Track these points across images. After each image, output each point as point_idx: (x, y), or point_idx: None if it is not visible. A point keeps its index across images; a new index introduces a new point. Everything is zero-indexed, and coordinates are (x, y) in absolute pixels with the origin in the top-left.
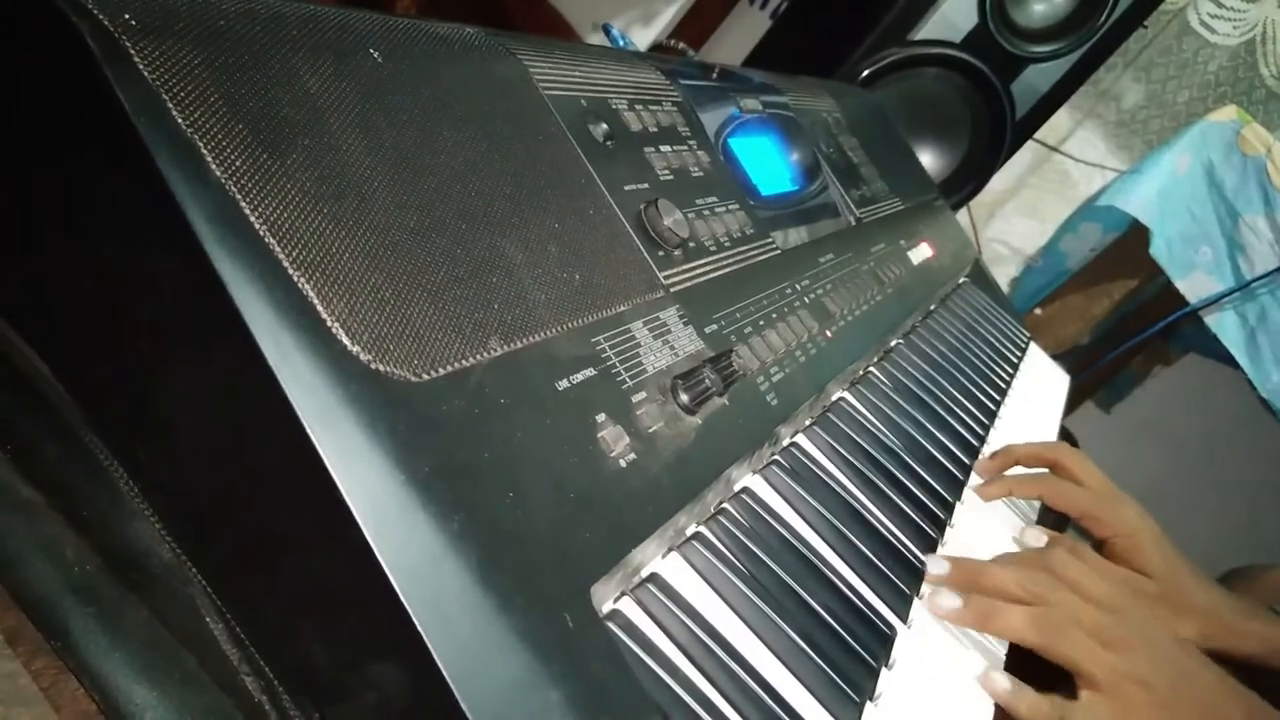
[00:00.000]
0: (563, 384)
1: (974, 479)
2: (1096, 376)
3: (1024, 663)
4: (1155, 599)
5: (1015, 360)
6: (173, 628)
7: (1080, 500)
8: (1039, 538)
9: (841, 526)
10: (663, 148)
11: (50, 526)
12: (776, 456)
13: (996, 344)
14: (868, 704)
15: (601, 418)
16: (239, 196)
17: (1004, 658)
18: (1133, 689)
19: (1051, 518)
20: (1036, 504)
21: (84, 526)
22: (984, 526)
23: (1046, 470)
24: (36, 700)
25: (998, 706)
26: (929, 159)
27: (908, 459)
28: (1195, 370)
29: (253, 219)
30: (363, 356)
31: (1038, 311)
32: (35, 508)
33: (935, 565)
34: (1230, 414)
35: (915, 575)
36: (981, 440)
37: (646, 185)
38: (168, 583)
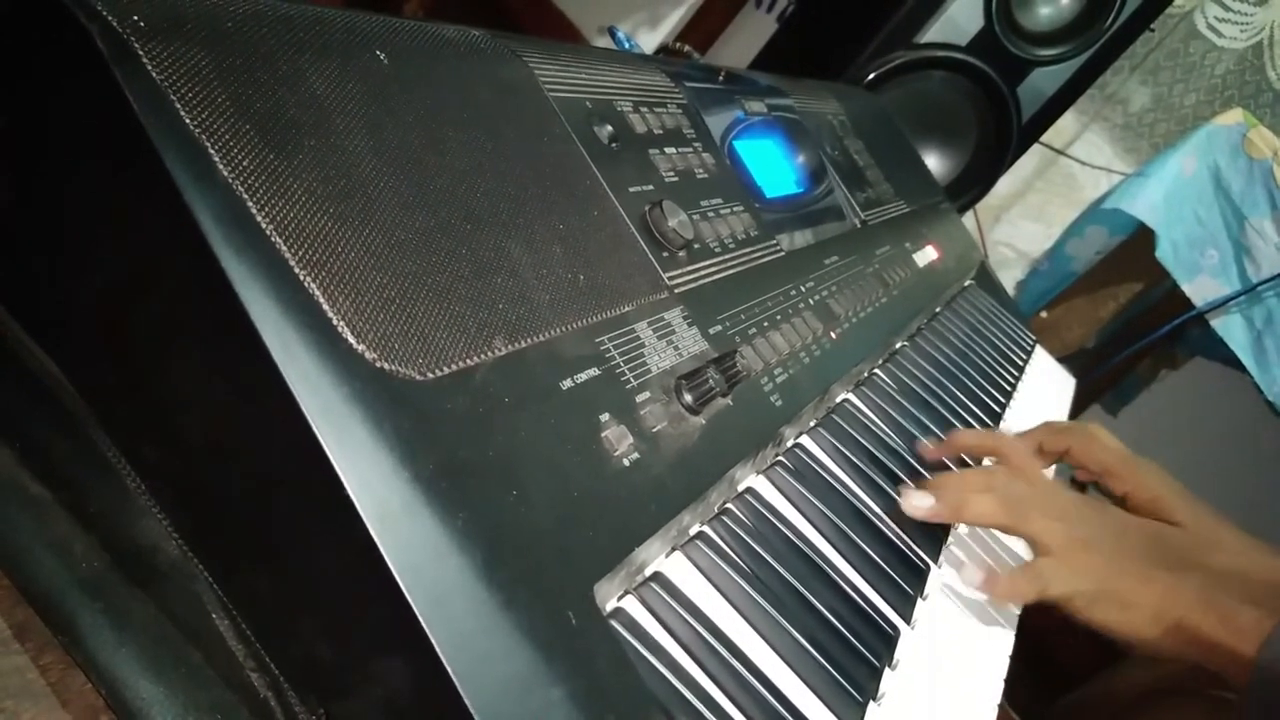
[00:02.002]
0: (567, 383)
1: None
2: (1102, 380)
3: (1031, 661)
4: (1187, 546)
5: (1021, 363)
6: (179, 624)
7: (1103, 457)
8: None
9: (845, 527)
10: (668, 150)
11: (58, 523)
12: (780, 457)
13: (1002, 347)
14: (871, 704)
15: (605, 417)
16: (246, 196)
17: (1008, 659)
18: (1080, 548)
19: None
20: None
21: (92, 523)
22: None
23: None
24: (44, 694)
25: (1000, 707)
26: (935, 162)
27: (911, 460)
28: (1202, 374)
29: (259, 218)
30: (368, 355)
31: (1043, 314)
32: (44, 504)
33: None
34: (1237, 417)
35: (918, 576)
36: None
37: (651, 187)
38: (174, 579)
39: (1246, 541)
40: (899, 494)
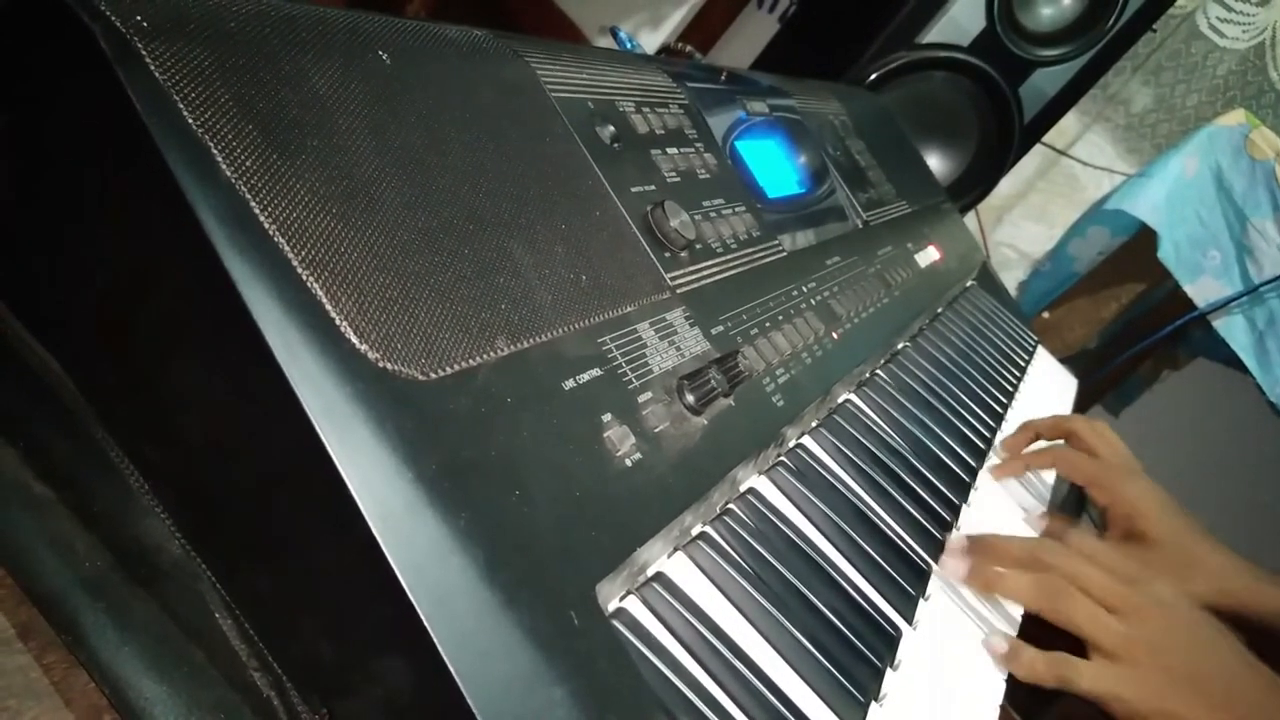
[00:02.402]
0: (569, 384)
1: (981, 480)
2: (1104, 380)
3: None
4: (1161, 566)
5: (1023, 363)
6: (182, 623)
7: (1087, 468)
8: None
9: (847, 528)
10: (669, 150)
11: (61, 522)
12: (782, 458)
13: (1004, 347)
14: (873, 704)
15: (607, 417)
16: (249, 196)
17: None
18: (1145, 655)
19: (1068, 492)
20: (1044, 512)
21: (95, 522)
22: (991, 528)
23: (1062, 441)
24: (48, 694)
25: (1001, 707)
26: (936, 162)
27: (914, 461)
28: (1204, 375)
29: (262, 219)
30: (371, 355)
31: (1045, 315)
32: (47, 504)
33: (954, 542)
34: (1239, 418)
35: (921, 577)
36: (989, 443)
37: (653, 187)
38: (177, 579)
39: (1227, 560)
40: (927, 565)
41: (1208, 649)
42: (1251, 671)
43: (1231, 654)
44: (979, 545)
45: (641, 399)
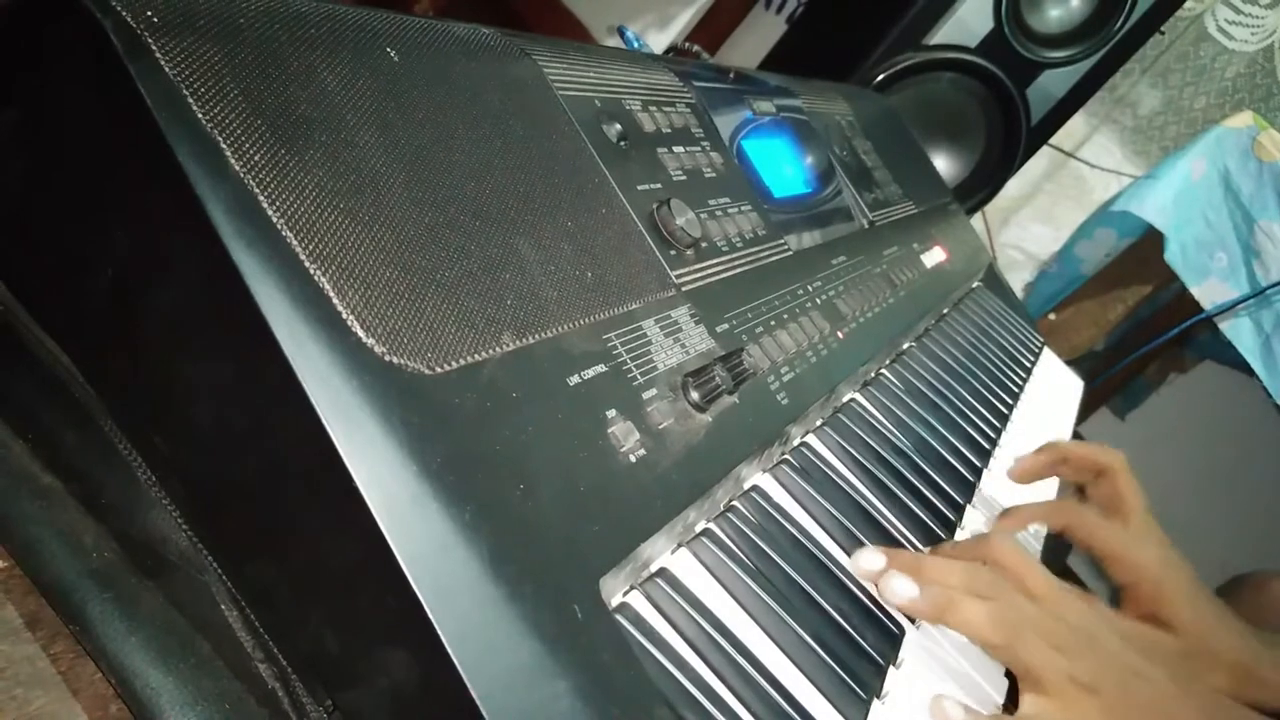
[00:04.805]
0: (574, 379)
1: (985, 481)
2: (1111, 382)
3: None
4: (1181, 655)
5: (1028, 364)
6: (188, 614)
7: (1111, 542)
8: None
9: (851, 526)
10: (676, 149)
11: (69, 513)
12: (787, 456)
13: (1010, 348)
14: (875, 702)
15: (612, 413)
16: (257, 190)
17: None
18: (1078, 692)
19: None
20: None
21: (102, 514)
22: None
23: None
24: (55, 683)
25: (1002, 706)
26: (944, 164)
27: (918, 461)
28: (1210, 377)
29: (270, 213)
30: (377, 349)
31: (1052, 316)
32: (55, 495)
33: (867, 559)
34: (1245, 421)
35: None
36: (993, 444)
37: (659, 185)
38: (184, 570)
39: (1244, 645)
40: (865, 567)
41: (1140, 681)
42: (1186, 699)
43: (1165, 682)
44: (905, 567)
45: (646, 395)
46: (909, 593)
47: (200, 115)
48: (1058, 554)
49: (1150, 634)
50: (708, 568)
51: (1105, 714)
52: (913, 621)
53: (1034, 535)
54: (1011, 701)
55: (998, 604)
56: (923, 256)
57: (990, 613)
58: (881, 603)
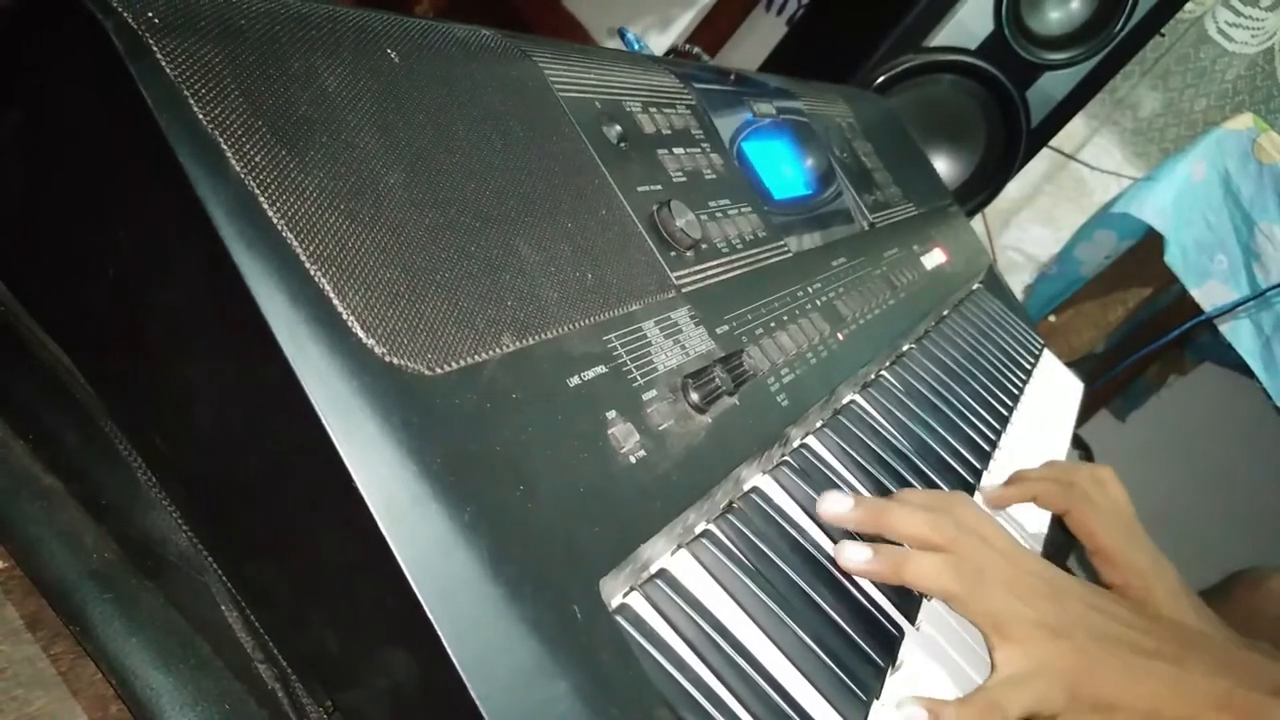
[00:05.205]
0: (574, 380)
1: (985, 482)
2: (1111, 384)
3: None
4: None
5: (1028, 367)
6: (188, 615)
7: (1102, 533)
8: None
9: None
10: (676, 150)
11: (70, 514)
12: (787, 457)
13: (1009, 350)
14: (875, 703)
15: (612, 414)
16: (258, 191)
17: None
18: (1048, 637)
19: (1061, 537)
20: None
21: (103, 514)
22: None
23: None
24: (55, 684)
25: None
26: (944, 166)
27: (918, 462)
28: (1210, 379)
29: (271, 213)
30: (377, 349)
31: (1052, 318)
32: (55, 495)
33: (834, 501)
34: (1245, 423)
35: None
36: (993, 445)
37: (659, 187)
38: (184, 571)
39: (1230, 652)
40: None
41: (1109, 622)
42: (1159, 633)
43: (1132, 620)
44: (869, 514)
45: (646, 397)
46: (862, 555)
47: (201, 116)
48: (1057, 556)
49: (1123, 600)
50: (707, 569)
51: (1079, 656)
52: (912, 623)
53: (1034, 537)
54: None
55: (955, 555)
56: (923, 258)
57: (948, 562)
58: (880, 602)
